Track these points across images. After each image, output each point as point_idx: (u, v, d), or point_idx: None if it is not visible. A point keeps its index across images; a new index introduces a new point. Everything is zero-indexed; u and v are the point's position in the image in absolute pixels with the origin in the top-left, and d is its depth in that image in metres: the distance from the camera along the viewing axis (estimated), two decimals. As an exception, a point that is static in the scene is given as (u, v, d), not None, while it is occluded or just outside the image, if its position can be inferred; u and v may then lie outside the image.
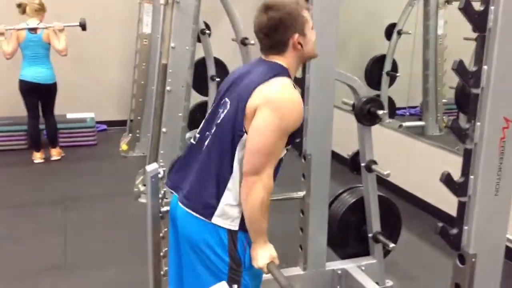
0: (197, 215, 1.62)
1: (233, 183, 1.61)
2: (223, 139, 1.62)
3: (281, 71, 1.63)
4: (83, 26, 4.67)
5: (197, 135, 1.73)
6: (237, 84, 1.66)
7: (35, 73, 4.72)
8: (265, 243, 1.64)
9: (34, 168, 4.89)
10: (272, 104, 1.54)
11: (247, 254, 1.65)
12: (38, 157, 5.00)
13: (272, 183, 1.58)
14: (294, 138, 1.65)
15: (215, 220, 1.61)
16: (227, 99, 1.66)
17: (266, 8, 1.62)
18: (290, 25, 1.61)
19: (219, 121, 1.65)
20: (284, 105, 1.55)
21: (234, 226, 1.63)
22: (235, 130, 1.59)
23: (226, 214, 1.61)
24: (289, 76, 1.64)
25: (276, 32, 1.61)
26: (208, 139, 1.66)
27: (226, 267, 1.62)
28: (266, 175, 1.55)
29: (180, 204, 1.68)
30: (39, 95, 4.85)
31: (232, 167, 1.60)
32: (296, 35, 1.62)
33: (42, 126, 5.06)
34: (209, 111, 1.75)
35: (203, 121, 1.76)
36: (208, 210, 1.61)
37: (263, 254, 1.62)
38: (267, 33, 1.63)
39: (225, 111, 1.64)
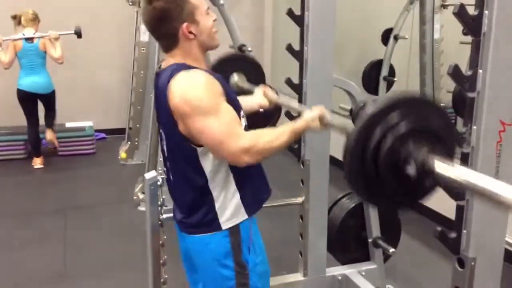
0: (203, 234, 1.61)
1: (216, 190, 1.58)
2: (182, 167, 1.59)
3: (175, 70, 1.50)
4: (78, 34, 4.73)
5: (165, 169, 1.72)
6: (158, 112, 1.64)
7: (32, 83, 4.79)
8: (304, 121, 1.57)
9: (33, 177, 4.89)
10: (187, 106, 1.44)
11: (251, 254, 1.64)
12: (38, 163, 5.06)
13: (252, 137, 1.47)
14: (234, 97, 1.59)
15: (226, 225, 1.59)
16: (161, 131, 1.65)
17: None
18: (175, 14, 1.48)
19: (167, 154, 1.64)
20: (191, 95, 1.44)
21: (244, 215, 1.62)
22: (187, 154, 1.54)
23: (230, 214, 1.60)
24: (186, 66, 1.52)
25: (161, 24, 1.50)
26: (171, 173, 1.66)
27: (232, 273, 1.61)
28: (245, 144, 1.44)
29: (185, 233, 1.68)
30: (36, 104, 4.92)
31: (207, 180, 1.57)
32: (185, 25, 1.49)
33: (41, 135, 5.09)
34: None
35: (161, 152, 1.74)
36: (213, 224, 1.60)
37: (310, 116, 1.57)
38: (153, 26, 1.52)
39: (165, 143, 1.63)
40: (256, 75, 2.28)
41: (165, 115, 1.53)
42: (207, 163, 1.56)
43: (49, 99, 4.93)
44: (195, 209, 1.61)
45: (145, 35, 5.08)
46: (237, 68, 2.22)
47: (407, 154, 1.07)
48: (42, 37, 4.74)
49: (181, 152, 1.56)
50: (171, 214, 1.85)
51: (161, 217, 1.91)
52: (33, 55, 4.76)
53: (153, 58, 4.50)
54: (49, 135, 5.13)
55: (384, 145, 1.08)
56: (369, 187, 1.14)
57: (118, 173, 5.00)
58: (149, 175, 1.87)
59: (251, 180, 1.64)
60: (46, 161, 5.07)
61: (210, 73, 1.53)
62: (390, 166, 1.09)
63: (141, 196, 4.01)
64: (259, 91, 1.96)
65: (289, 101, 1.95)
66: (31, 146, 5.13)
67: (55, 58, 4.78)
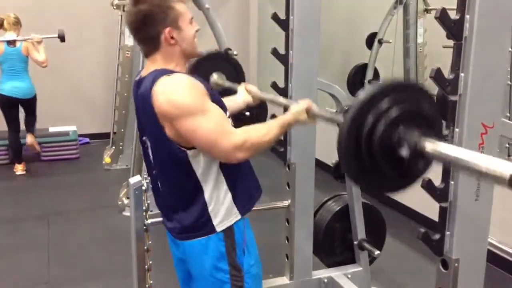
0: (198, 238, 1.60)
1: (207, 192, 1.57)
2: (172, 173, 1.58)
3: (157, 76, 1.50)
4: (61, 38, 4.62)
5: (149, 178, 1.69)
6: (141, 118, 1.61)
7: (13, 88, 4.72)
8: (292, 114, 1.60)
9: (16, 183, 4.82)
10: (173, 108, 1.44)
11: (245, 256, 1.64)
12: (20, 169, 5.00)
13: (243, 133, 1.49)
14: (219, 98, 1.59)
15: (220, 227, 1.58)
16: (144, 138, 1.62)
17: (135, 1, 1.52)
18: (159, 18, 1.51)
19: (155, 160, 1.62)
20: (176, 97, 1.45)
21: (237, 216, 1.61)
22: (176, 157, 1.53)
23: (223, 216, 1.59)
24: (167, 71, 1.53)
25: (144, 26, 1.52)
26: (159, 180, 1.64)
27: (227, 276, 1.61)
28: (238, 141, 1.46)
29: (178, 240, 1.67)
30: (17, 109, 4.87)
31: (199, 183, 1.56)
32: (168, 29, 1.52)
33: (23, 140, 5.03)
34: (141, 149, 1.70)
35: (144, 161, 1.71)
36: (206, 227, 1.59)
37: (297, 110, 1.60)
38: (136, 28, 1.55)
39: (150, 148, 1.60)
40: (235, 73, 2.31)
41: (150, 122, 1.52)
42: (198, 165, 1.55)
43: (30, 104, 4.88)
44: (188, 213, 1.59)
45: (129, 39, 5.06)
46: (216, 68, 2.26)
47: (400, 137, 1.10)
48: (25, 40, 4.65)
49: (170, 157, 1.55)
50: (156, 219, 1.83)
51: (146, 222, 1.90)
52: (15, 59, 4.68)
53: (137, 62, 4.47)
54: (29, 139, 5.07)
55: (377, 130, 1.10)
56: (365, 173, 1.16)
57: (102, 178, 4.95)
58: (134, 179, 1.86)
59: (242, 179, 1.64)
60: (29, 166, 5.01)
61: (192, 76, 1.55)
62: (384, 151, 1.11)
63: (126, 201, 3.98)
64: (241, 88, 1.98)
65: (274, 97, 1.96)
66: (13, 152, 5.07)
67: (39, 62, 4.69)
